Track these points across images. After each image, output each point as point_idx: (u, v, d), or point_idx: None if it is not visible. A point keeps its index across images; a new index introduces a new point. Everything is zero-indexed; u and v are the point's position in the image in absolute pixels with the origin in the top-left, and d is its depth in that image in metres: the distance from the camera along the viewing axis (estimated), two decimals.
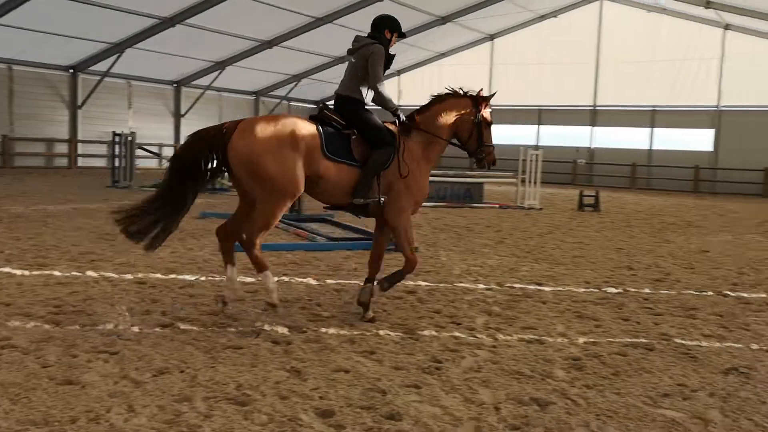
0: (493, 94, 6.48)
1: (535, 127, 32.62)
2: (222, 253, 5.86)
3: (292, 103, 35.29)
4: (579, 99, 31.34)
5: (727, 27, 27.78)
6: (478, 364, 4.87)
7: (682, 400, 4.34)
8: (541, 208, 17.91)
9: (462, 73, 33.55)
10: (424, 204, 16.99)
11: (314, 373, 4.53)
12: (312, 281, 7.51)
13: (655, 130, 30.18)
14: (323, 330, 5.55)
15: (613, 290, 7.71)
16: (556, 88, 31.48)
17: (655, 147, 30.10)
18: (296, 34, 25.04)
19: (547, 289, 7.69)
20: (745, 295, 7.76)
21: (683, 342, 5.67)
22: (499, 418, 3.94)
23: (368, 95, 6.05)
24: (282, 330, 5.49)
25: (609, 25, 30.37)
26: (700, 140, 29.28)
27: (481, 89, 6.39)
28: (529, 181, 18.40)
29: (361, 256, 9.27)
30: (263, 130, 5.44)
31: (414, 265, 6.08)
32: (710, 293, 7.78)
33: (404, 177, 5.89)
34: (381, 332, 5.55)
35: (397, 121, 6.14)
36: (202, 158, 5.47)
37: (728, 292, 7.83)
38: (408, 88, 35.33)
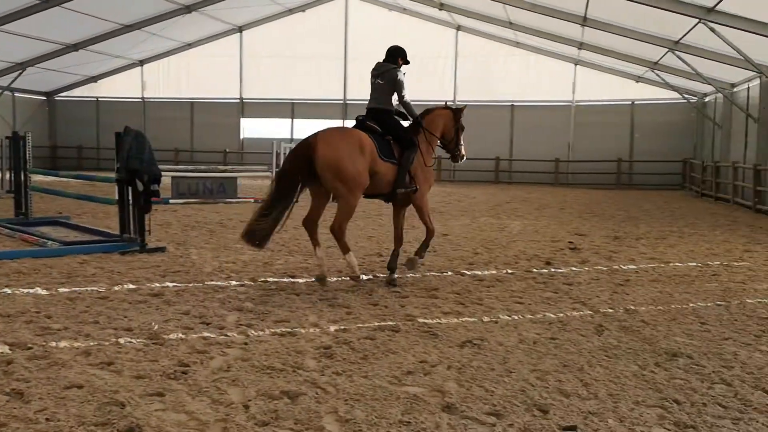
0: (465, 107, 8.55)
1: (289, 120, 32.88)
2: (310, 239, 7.51)
3: (17, 94, 31.70)
4: (330, 92, 32.17)
5: (459, 28, 30.28)
6: (227, 363, 4.72)
7: (424, 376, 4.59)
8: (296, 201, 18.02)
9: (211, 64, 32.77)
10: (173, 201, 16.35)
11: (40, 393, 4.05)
12: (41, 291, 6.77)
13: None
14: (53, 344, 5.01)
15: (364, 277, 7.97)
16: (308, 82, 31.97)
17: None
18: (19, 17, 22.40)
19: (300, 281, 7.74)
20: (479, 272, 8.49)
21: (426, 321, 6.03)
22: (248, 416, 3.84)
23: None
24: (0, 349, 4.86)
25: (354, 21, 31.54)
26: None
27: (465, 106, 8.66)
28: None
29: (101, 260, 8.60)
30: (340, 140, 7.02)
31: (434, 233, 8.06)
32: (450, 273, 8.39)
33: (427, 167, 7.83)
34: (121, 340, 5.16)
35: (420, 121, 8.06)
36: (298, 169, 6.98)
37: (465, 271, 8.50)
38: (153, 80, 33.64)
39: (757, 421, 3.93)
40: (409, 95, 7.96)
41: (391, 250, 8.09)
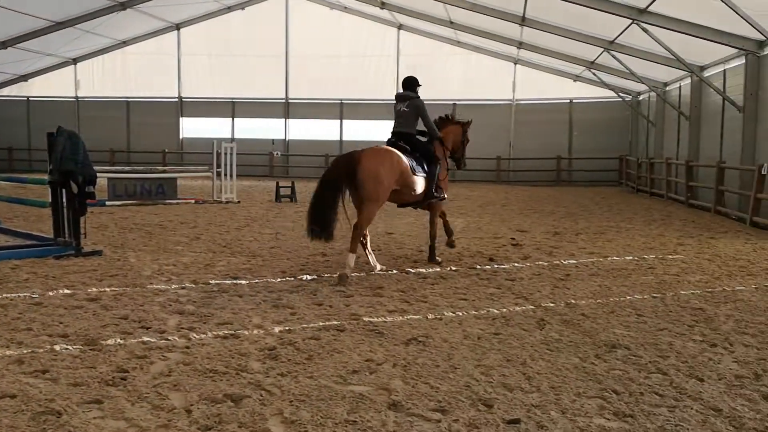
0: (470, 121, 9.90)
1: (229, 119, 32.43)
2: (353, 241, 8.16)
3: None
4: (272, 92, 31.87)
5: (400, 27, 30.40)
6: (168, 367, 4.62)
7: (369, 374, 4.58)
8: (238, 202, 17.86)
9: (148, 62, 32.06)
10: (109, 203, 15.93)
11: None
12: None
13: (345, 121, 31.94)
14: None
15: (308, 277, 7.92)
16: (249, 80, 31.61)
17: (345, 138, 31.85)
18: None
19: (243, 282, 7.63)
20: (423, 270, 8.53)
21: (371, 320, 6.02)
22: (191, 421, 3.77)
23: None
24: None
25: (296, 19, 31.31)
26: (385, 131, 31.50)
27: (470, 120, 9.95)
28: (226, 175, 18.22)
29: (35, 265, 8.31)
30: (382, 157, 8.09)
31: (436, 237, 9.38)
32: (394, 271, 8.41)
33: (444, 178, 9.03)
34: (56, 347, 4.98)
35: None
36: (339, 176, 7.81)
37: (409, 270, 8.53)
38: (87, 78, 32.68)
39: (692, 408, 4.06)
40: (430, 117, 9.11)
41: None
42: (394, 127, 9.08)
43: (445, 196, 9.06)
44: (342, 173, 7.86)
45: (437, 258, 9.18)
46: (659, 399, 4.22)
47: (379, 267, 8.53)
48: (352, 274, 7.87)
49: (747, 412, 4.02)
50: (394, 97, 9.28)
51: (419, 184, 8.55)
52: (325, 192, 7.79)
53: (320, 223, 7.72)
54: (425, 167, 8.69)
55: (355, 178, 7.81)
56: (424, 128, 9.10)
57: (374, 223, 13.58)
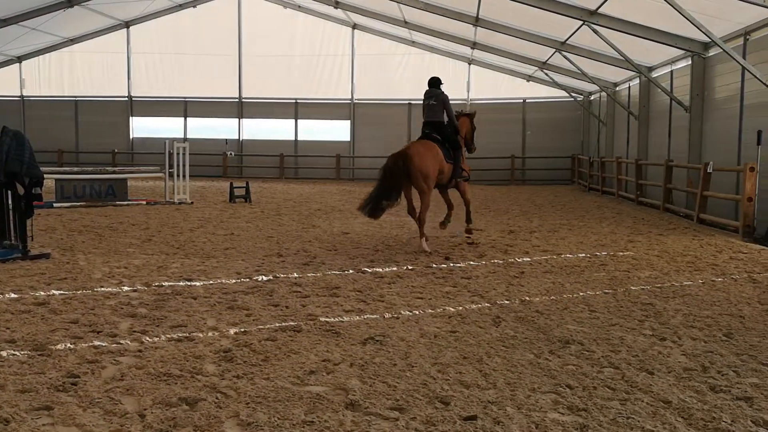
0: (475, 112, 12.11)
1: (182, 119, 31.94)
2: (416, 222, 10.43)
3: None
4: (225, 91, 31.49)
5: (355, 26, 30.37)
6: (121, 372, 4.53)
7: (326, 375, 4.57)
8: (192, 202, 17.61)
9: (97, 61, 31.34)
10: (57, 205, 15.58)
11: None
12: None
13: (300, 121, 31.76)
14: None
15: (264, 278, 7.86)
16: (202, 79, 31.16)
17: (300, 138, 31.68)
18: None
19: (198, 283, 7.53)
20: (380, 270, 8.54)
21: (327, 320, 6.01)
22: (145, 426, 3.70)
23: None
24: None
25: (249, 18, 30.99)
26: (339, 130, 31.64)
27: (475, 112, 12.17)
28: (178, 175, 17.94)
29: None
30: (425, 149, 10.20)
31: (470, 202, 11.77)
32: (351, 271, 8.40)
33: (463, 161, 11.19)
34: (3, 353, 4.84)
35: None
36: (397, 167, 9.90)
37: (366, 269, 8.53)
38: (32, 77, 31.77)
39: (642, 401, 4.15)
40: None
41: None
42: (425, 117, 10.86)
43: (468, 175, 11.34)
44: (402, 169, 9.94)
45: (471, 222, 11.61)
46: (611, 392, 4.31)
47: (428, 249, 9.99)
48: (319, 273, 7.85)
49: (695, 403, 4.13)
50: (423, 95, 11.08)
51: (449, 169, 10.66)
52: (384, 183, 10.07)
53: (373, 204, 10.14)
54: (451, 154, 10.69)
55: (410, 174, 9.97)
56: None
57: (331, 223, 13.58)
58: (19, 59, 31.30)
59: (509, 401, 4.14)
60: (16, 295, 6.72)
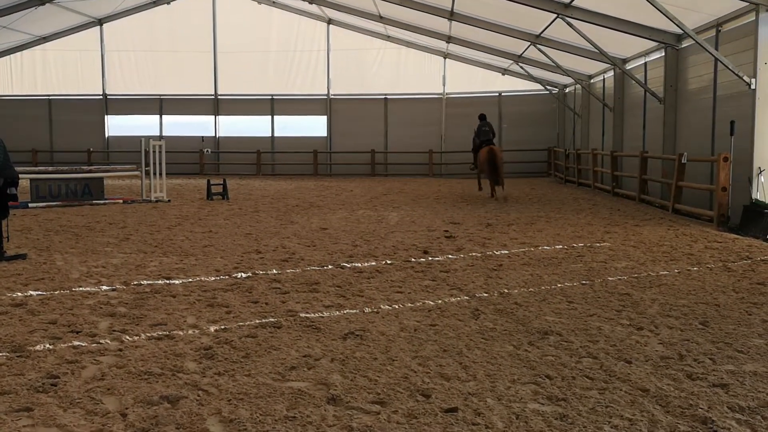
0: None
1: (157, 117, 31.65)
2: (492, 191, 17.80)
3: None
4: (200, 88, 31.25)
5: (330, 22, 30.29)
6: (101, 371, 4.51)
7: (308, 370, 4.59)
8: (169, 200, 17.48)
9: (70, 59, 30.95)
10: (33, 205, 15.44)
11: None
12: None
13: (276, 117, 31.62)
14: None
15: (243, 275, 7.85)
16: (177, 77, 30.89)
17: (277, 134, 31.54)
18: None
19: (177, 282, 7.50)
20: (359, 264, 8.56)
21: (308, 315, 6.02)
22: (127, 425, 3.69)
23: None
24: None
25: (223, 14, 30.74)
26: (316, 126, 31.56)
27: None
28: (155, 173, 17.80)
29: None
30: (499, 149, 18.07)
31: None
32: (330, 267, 8.42)
33: None
34: None
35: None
36: (495, 160, 17.37)
37: (345, 264, 8.55)
38: (4, 76, 31.27)
39: (621, 390, 4.22)
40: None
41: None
42: (485, 136, 18.73)
43: None
44: (494, 159, 17.28)
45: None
46: (590, 382, 4.37)
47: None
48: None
49: (672, 391, 4.21)
50: (479, 118, 19.66)
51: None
52: (492, 165, 17.43)
53: (495, 178, 17.64)
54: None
55: (496, 163, 17.30)
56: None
57: (309, 219, 13.57)
58: None
59: (489, 393, 4.19)
60: None
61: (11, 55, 30.93)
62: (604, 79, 22.11)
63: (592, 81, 23.81)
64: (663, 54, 16.23)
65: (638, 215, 14.19)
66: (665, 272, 8.07)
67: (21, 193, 9.35)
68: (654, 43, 16.44)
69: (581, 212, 14.85)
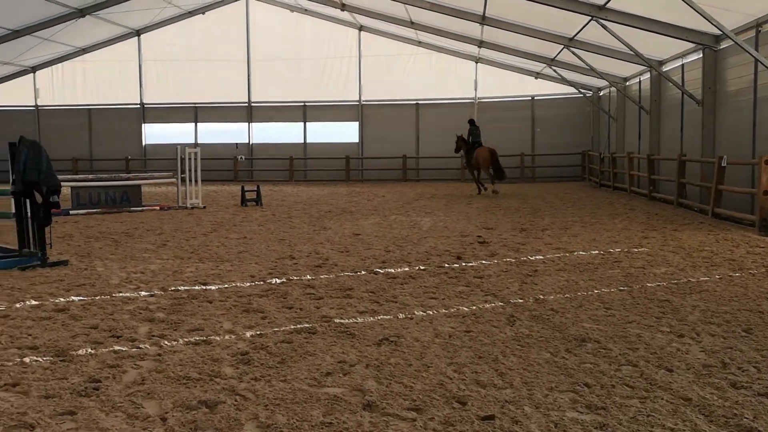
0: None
1: (192, 125, 32.11)
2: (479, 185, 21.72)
3: None
4: (234, 96, 31.65)
5: (361, 28, 30.43)
6: (141, 376, 4.58)
7: (343, 376, 4.60)
8: (204, 207, 17.71)
9: (110, 70, 31.60)
10: (74, 212, 15.71)
11: None
12: None
13: (308, 124, 31.86)
14: None
15: (277, 280, 7.90)
16: (211, 85, 31.37)
17: (309, 140, 31.79)
18: None
19: (213, 287, 7.58)
20: (392, 270, 8.56)
21: (342, 321, 6.03)
22: (166, 429, 3.74)
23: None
24: None
25: (257, 23, 31.14)
26: (348, 132, 31.72)
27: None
28: (190, 180, 18.05)
29: (4, 276, 8.15)
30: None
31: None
32: (363, 272, 8.43)
33: None
34: (26, 359, 4.91)
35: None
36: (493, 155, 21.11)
37: (378, 270, 8.56)
38: (46, 87, 32.06)
39: (662, 399, 4.15)
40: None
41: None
42: (476, 138, 21.97)
43: None
44: (495, 156, 20.79)
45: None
46: (630, 390, 4.30)
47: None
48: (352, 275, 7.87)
49: (716, 400, 4.12)
50: (469, 123, 22.90)
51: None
52: (495, 161, 20.78)
53: (498, 172, 20.92)
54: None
55: (497, 158, 20.85)
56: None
57: (341, 224, 13.61)
58: (33, 69, 31.61)
59: (527, 400, 4.15)
60: (36, 302, 6.79)
61: (53, 66, 31.70)
62: (640, 81, 21.83)
63: (627, 83, 23.53)
64: (701, 55, 15.97)
65: (677, 219, 13.96)
66: (706, 278, 7.92)
67: (62, 200, 9.55)
68: (691, 45, 16.18)
69: (617, 217, 14.66)
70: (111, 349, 5.20)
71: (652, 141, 20.09)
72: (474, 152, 21.38)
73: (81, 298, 7.02)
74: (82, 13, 25.14)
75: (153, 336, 5.57)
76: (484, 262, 9.17)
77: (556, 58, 23.91)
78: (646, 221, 13.74)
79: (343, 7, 26.40)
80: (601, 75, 22.71)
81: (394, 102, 30.77)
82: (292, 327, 5.85)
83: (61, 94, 32.15)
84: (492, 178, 21.17)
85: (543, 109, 29.90)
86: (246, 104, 31.79)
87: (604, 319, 6.07)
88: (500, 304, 6.72)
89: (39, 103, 32.37)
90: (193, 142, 30.96)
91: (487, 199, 20.18)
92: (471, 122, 22.95)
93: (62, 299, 6.92)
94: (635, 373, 4.63)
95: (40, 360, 4.91)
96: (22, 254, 9.05)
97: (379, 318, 6.17)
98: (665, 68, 18.84)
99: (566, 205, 17.61)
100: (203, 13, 30.78)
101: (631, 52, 17.42)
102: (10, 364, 4.83)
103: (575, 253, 9.78)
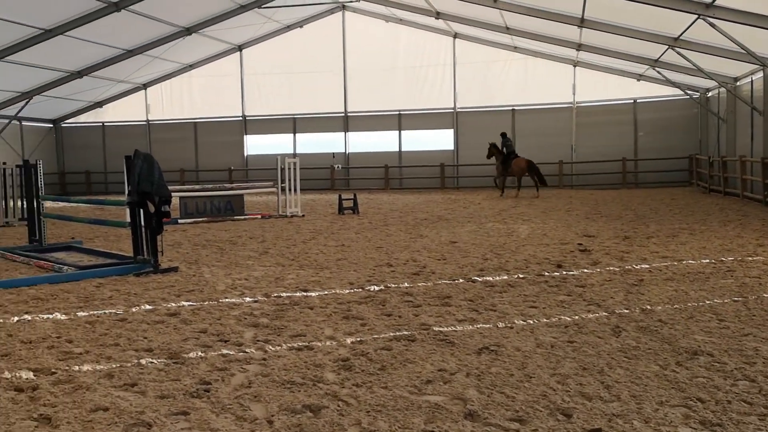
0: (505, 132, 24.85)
1: (291, 135, 32.99)
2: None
3: (25, 123, 31.93)
4: (331, 106, 32.30)
5: (456, 36, 30.39)
6: (248, 379, 4.74)
7: (443, 384, 4.59)
8: (303, 215, 18.14)
9: (213, 84, 32.98)
10: (182, 221, 16.43)
11: (67, 418, 4.07)
12: (60, 316, 6.81)
13: (403, 132, 32.07)
14: (76, 368, 5.04)
15: (376, 288, 7.99)
16: (308, 96, 32.13)
17: (404, 148, 31.97)
18: (23, 48, 22.61)
19: (313, 294, 7.75)
20: (490, 278, 8.48)
21: (441, 329, 6.03)
22: (273, 431, 3.85)
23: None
24: (25, 375, 4.89)
25: (353, 34, 31.69)
26: (443, 140, 31.70)
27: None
28: (290, 189, 18.55)
29: (117, 282, 8.65)
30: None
31: None
32: (461, 280, 8.39)
33: None
34: (143, 361, 5.18)
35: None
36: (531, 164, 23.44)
37: (476, 278, 8.49)
38: (156, 102, 33.83)
39: None
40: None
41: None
42: (510, 148, 23.91)
43: None
44: (533, 165, 23.20)
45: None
46: (748, 407, 4.08)
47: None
48: (419, 284, 7.90)
49: None
50: (501, 136, 24.56)
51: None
52: (534, 170, 23.26)
53: (537, 173, 23.26)
54: None
55: (535, 168, 23.26)
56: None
57: (438, 232, 13.59)
58: (145, 86, 33.42)
59: (635, 414, 4.00)
60: (150, 307, 7.17)
61: (162, 83, 33.40)
62: (752, 80, 20.68)
63: (738, 83, 22.34)
64: None
65: None
66: None
67: (172, 210, 10.03)
68: None
69: (729, 223, 13.93)
70: (219, 352, 5.41)
71: (766, 143, 18.97)
72: (510, 162, 23.77)
73: (190, 303, 7.34)
74: (188, 31, 26.40)
75: (258, 341, 5.75)
76: (585, 270, 8.93)
77: (659, 59, 23.03)
78: (762, 228, 12.98)
79: (438, 15, 26.46)
80: (708, 75, 21.69)
81: (490, 108, 30.50)
82: (392, 334, 5.89)
83: (170, 108, 33.81)
84: (535, 186, 23.69)
85: (646, 112, 28.82)
86: (342, 114, 32.36)
87: (717, 332, 5.78)
88: (604, 314, 6.52)
89: (150, 118, 34.17)
90: (292, 152, 31.80)
91: (588, 206, 19.65)
92: (503, 135, 24.90)
93: (173, 304, 7.26)
94: (753, 388, 4.39)
95: (155, 362, 5.17)
96: (136, 261, 9.57)
97: (478, 326, 6.13)
98: None
99: (673, 212, 16.89)
100: (301, 26, 31.64)
101: (742, 51, 16.55)
102: (129, 365, 5.11)
103: (684, 262, 9.36)
